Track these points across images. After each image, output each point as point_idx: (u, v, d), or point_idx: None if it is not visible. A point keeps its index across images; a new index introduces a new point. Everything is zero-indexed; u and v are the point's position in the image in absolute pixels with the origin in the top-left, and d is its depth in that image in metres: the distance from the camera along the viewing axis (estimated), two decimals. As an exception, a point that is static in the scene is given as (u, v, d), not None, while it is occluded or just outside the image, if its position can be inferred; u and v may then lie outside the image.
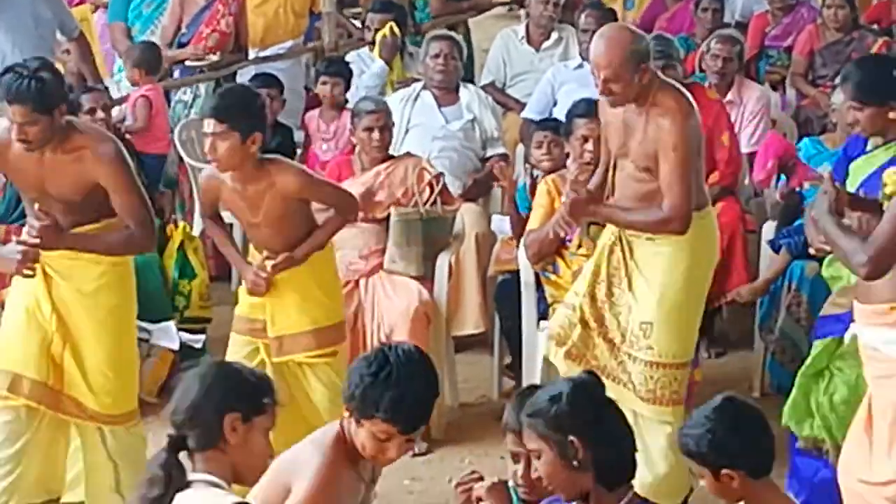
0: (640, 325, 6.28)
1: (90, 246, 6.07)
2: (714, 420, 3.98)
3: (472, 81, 9.49)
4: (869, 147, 6.37)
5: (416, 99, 8.36)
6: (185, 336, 7.88)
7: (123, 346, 6.25)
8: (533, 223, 7.00)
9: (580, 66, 9.14)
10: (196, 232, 8.51)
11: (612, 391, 6.03)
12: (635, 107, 6.16)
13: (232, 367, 4.09)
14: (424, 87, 8.33)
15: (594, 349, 6.49)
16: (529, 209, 7.29)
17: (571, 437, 3.81)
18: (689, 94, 6.36)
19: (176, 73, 9.80)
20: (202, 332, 8.07)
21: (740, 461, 3.97)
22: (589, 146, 6.89)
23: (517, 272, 7.24)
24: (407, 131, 8.14)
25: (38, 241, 5.85)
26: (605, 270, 6.36)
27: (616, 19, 9.63)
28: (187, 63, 9.84)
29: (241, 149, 6.05)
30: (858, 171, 6.37)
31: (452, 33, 9.12)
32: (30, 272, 5.91)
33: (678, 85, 6.49)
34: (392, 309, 7.16)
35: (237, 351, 6.49)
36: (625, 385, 6.33)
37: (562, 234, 6.68)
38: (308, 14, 10.47)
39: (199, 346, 7.96)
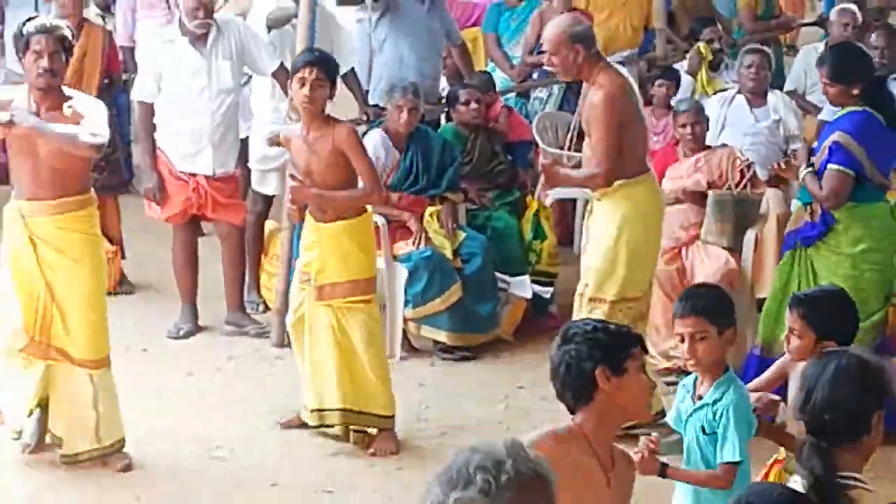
0: (586, 266, 6.73)
1: None
2: None
3: (780, 88, 9.44)
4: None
5: (731, 101, 8.50)
6: (537, 288, 8.24)
7: (98, 300, 6.39)
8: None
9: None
10: (548, 203, 8.65)
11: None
12: (585, 84, 6.68)
13: None
14: (739, 92, 8.47)
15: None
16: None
17: None
18: (625, 75, 6.72)
19: (535, 76, 10.00)
20: (550, 285, 8.40)
21: None
22: None
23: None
24: (723, 127, 8.26)
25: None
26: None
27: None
28: (544, 67, 9.25)
29: (326, 96, 6.62)
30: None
31: (764, 47, 9.11)
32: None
33: (618, 67, 6.87)
34: (703, 272, 7.42)
35: (296, 296, 6.85)
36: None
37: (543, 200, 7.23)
38: (643, 29, 10.54)
39: (547, 296, 8.30)
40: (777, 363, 5.15)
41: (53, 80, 6.18)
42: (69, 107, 6.21)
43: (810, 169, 6.75)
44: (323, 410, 6.74)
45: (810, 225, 6.78)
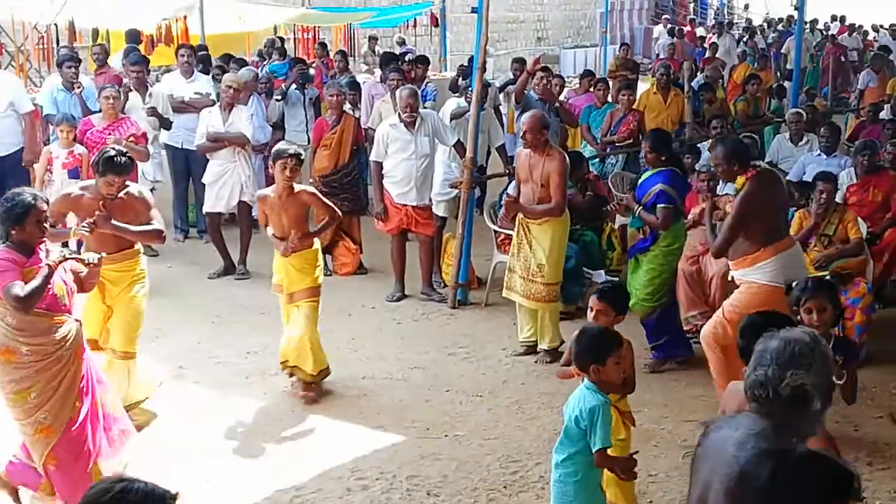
0: (538, 265, 7.96)
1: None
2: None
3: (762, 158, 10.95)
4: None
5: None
6: (608, 278, 9.53)
7: (141, 316, 6.91)
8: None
9: (819, 154, 10.93)
10: (616, 226, 10.05)
11: (523, 301, 8.10)
12: (536, 154, 7.86)
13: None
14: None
15: (516, 283, 8.07)
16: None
17: None
18: (564, 152, 7.90)
19: (608, 149, 11.87)
20: (617, 276, 9.69)
21: None
22: (822, 198, 8.61)
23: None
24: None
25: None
26: (520, 241, 7.96)
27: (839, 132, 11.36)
28: (617, 144, 11.94)
29: (299, 174, 7.33)
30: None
31: (753, 135, 10.94)
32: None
33: (558, 147, 8.07)
34: (711, 270, 8.15)
35: (283, 303, 7.46)
36: (527, 297, 8.03)
37: (505, 221, 7.68)
38: (679, 122, 12.53)
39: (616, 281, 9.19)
40: None
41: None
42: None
43: (640, 207, 7.78)
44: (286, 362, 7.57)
45: (642, 240, 7.95)
